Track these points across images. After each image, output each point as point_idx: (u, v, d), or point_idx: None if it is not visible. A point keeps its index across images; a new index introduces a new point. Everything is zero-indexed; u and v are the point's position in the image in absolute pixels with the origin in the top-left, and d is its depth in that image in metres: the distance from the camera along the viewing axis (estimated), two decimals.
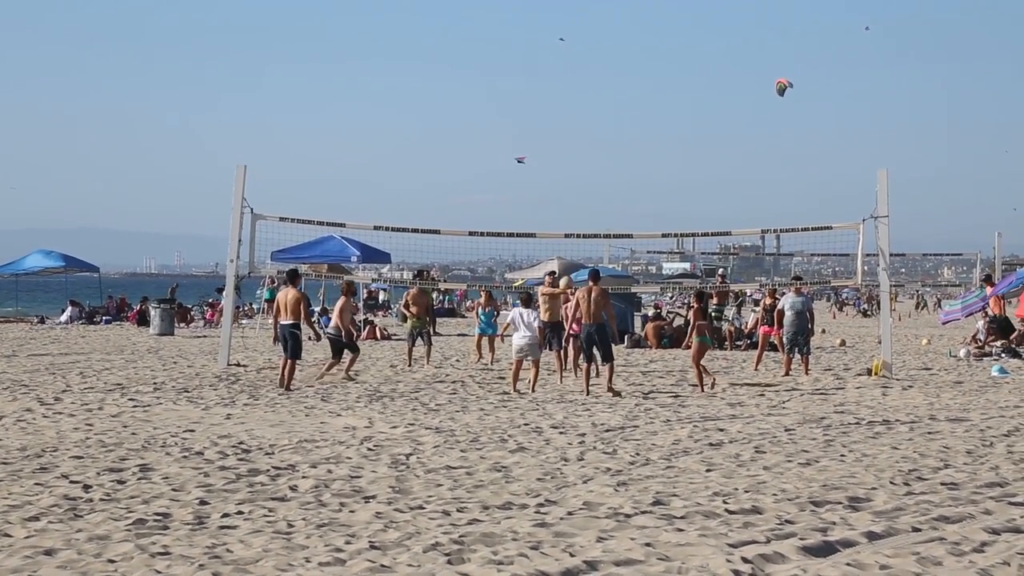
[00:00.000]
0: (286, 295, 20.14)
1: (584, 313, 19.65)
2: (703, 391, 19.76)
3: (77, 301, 45.53)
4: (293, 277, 20.70)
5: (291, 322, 19.88)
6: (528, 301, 20.99)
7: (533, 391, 19.55)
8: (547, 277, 23.33)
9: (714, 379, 20.42)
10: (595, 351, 19.80)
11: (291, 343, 19.79)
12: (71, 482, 10.88)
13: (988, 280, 34.21)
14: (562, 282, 22.65)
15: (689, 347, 21.10)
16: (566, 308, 21.78)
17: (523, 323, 20.06)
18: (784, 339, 23.29)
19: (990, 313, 32.02)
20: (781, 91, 40.11)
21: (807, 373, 22.62)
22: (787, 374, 22.64)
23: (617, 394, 19.01)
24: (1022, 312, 30.73)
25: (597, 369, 20.75)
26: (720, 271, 46.31)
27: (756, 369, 24.03)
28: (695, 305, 21.54)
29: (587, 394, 19.12)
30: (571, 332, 21.30)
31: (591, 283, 20.06)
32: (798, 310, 22.83)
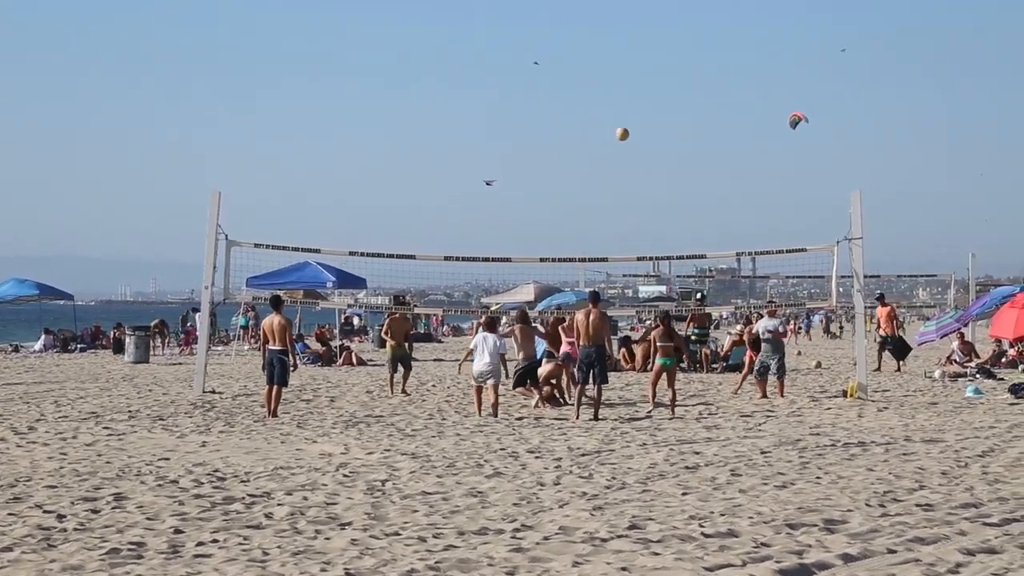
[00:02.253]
0: (272, 321, 20.09)
1: (583, 335, 19.62)
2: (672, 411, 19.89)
3: (51, 329, 45.35)
4: (277, 304, 20.67)
5: (279, 348, 19.83)
6: (492, 326, 20.95)
7: (495, 415, 19.51)
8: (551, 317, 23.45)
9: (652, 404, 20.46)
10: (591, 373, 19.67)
11: (278, 369, 19.72)
12: (45, 512, 10.81)
13: (881, 300, 34.33)
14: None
15: (649, 369, 21.13)
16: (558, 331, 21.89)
17: (486, 349, 20.01)
18: (758, 361, 23.31)
19: (881, 334, 32.18)
20: (794, 124, 40.26)
21: (782, 395, 22.64)
22: (764, 396, 22.63)
23: (596, 419, 19.01)
24: (995, 332, 30.85)
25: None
26: (698, 295, 46.27)
27: (736, 393, 23.90)
28: (661, 326, 21.40)
29: (577, 418, 19.08)
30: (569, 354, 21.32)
31: (591, 305, 20.09)
32: (772, 332, 22.92)
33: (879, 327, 32.97)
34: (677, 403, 20.42)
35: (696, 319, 32.74)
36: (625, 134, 27.33)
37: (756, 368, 23.32)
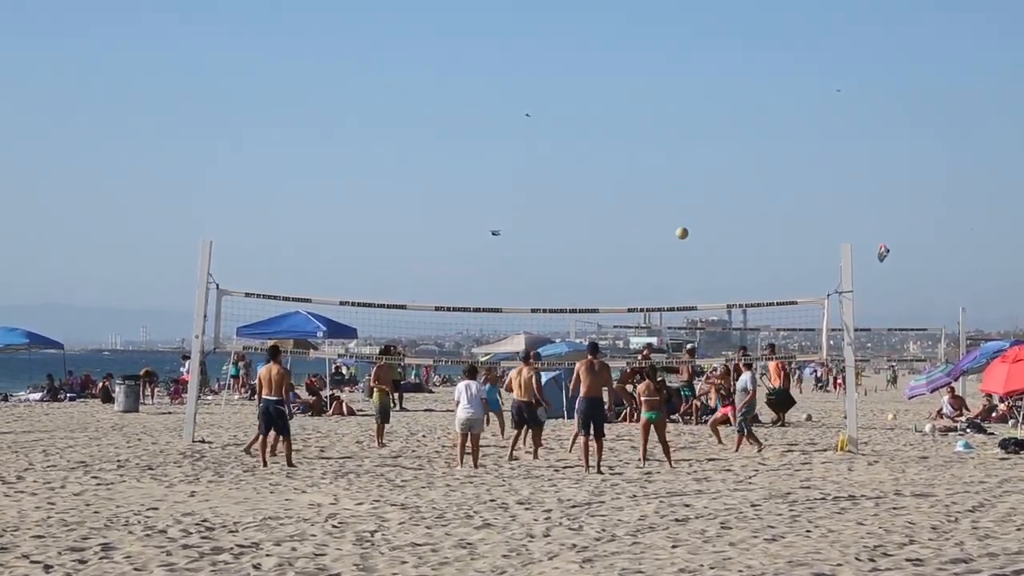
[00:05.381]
0: (270, 371, 20.12)
1: (586, 386, 19.61)
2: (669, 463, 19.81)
3: (53, 377, 45.22)
4: (275, 354, 20.68)
5: (277, 398, 19.87)
6: (472, 373, 20.98)
7: (476, 466, 19.51)
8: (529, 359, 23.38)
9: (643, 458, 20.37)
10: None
11: (278, 419, 19.76)
12: (32, 562, 10.77)
13: (771, 349, 34.14)
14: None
15: (636, 421, 21.03)
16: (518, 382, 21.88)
17: (466, 396, 19.99)
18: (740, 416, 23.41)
19: (769, 385, 32.12)
20: (882, 258, 42.58)
21: (737, 449, 22.58)
22: (736, 449, 22.61)
23: (600, 472, 18.96)
24: (986, 387, 30.83)
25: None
26: (689, 346, 46.22)
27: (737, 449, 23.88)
28: (647, 380, 21.08)
29: (587, 470, 18.99)
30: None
31: (591, 356, 20.06)
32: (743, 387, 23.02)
33: (770, 379, 33.03)
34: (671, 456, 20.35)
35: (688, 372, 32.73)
36: (685, 233, 27.16)
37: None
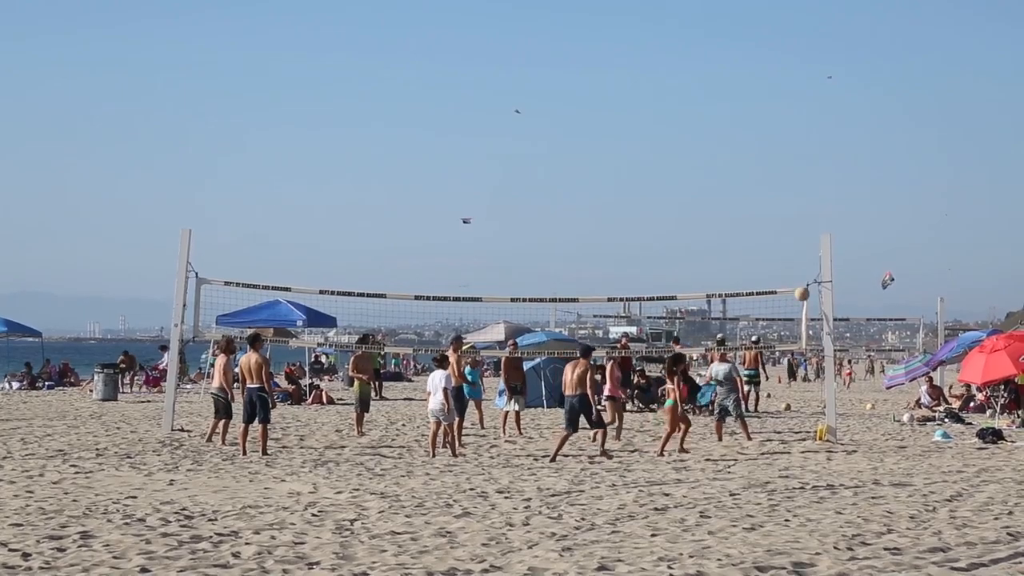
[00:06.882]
0: (249, 360, 20.13)
1: (567, 384, 19.92)
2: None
3: (31, 366, 44.99)
4: (254, 341, 20.69)
5: (259, 386, 19.90)
6: (443, 363, 20.89)
7: (454, 455, 19.53)
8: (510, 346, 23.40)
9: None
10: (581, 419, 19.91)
11: (260, 407, 19.80)
12: (10, 550, 10.72)
13: (675, 341, 33.85)
14: None
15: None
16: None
17: (437, 387, 19.96)
18: (717, 404, 23.49)
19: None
20: (885, 286, 43.31)
21: (748, 439, 22.61)
22: (720, 439, 22.64)
23: (606, 455, 19.42)
24: (964, 377, 30.97)
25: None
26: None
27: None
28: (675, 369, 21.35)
29: (552, 460, 19.04)
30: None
31: (580, 357, 20.32)
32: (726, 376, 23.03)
33: None
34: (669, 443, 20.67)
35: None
36: (805, 294, 26.59)
37: (716, 411, 23.46)
